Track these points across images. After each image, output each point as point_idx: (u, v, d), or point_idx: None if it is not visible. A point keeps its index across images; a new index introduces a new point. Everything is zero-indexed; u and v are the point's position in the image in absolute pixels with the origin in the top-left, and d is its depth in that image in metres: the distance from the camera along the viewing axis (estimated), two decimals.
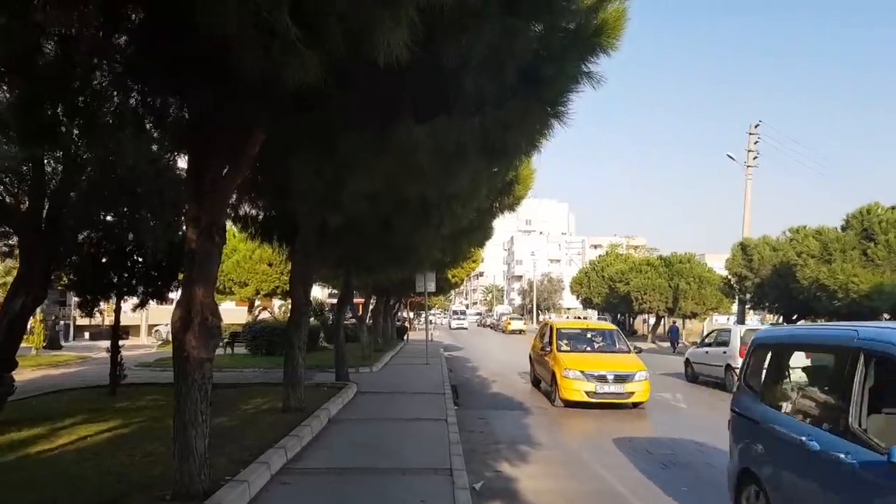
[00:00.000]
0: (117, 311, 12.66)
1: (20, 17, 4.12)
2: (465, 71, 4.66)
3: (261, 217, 11.58)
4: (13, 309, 8.95)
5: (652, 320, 42.59)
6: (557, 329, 13.92)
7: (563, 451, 8.67)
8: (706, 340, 18.60)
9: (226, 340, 23.27)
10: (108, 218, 11.50)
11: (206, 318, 5.49)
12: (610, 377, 11.79)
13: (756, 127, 31.06)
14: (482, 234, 10.59)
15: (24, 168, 9.41)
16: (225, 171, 5.59)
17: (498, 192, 9.21)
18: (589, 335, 14.13)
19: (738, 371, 8.66)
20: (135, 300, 13.39)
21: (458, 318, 67.10)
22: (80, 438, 7.98)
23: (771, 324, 30.30)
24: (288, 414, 9.54)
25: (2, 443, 7.58)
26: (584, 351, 13.33)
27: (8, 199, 9.41)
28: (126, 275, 12.23)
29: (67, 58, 4.94)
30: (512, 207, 9.97)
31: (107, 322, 41.12)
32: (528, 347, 16.62)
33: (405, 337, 36.53)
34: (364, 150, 5.58)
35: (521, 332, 53.19)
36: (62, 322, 37.43)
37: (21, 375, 16.47)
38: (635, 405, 12.07)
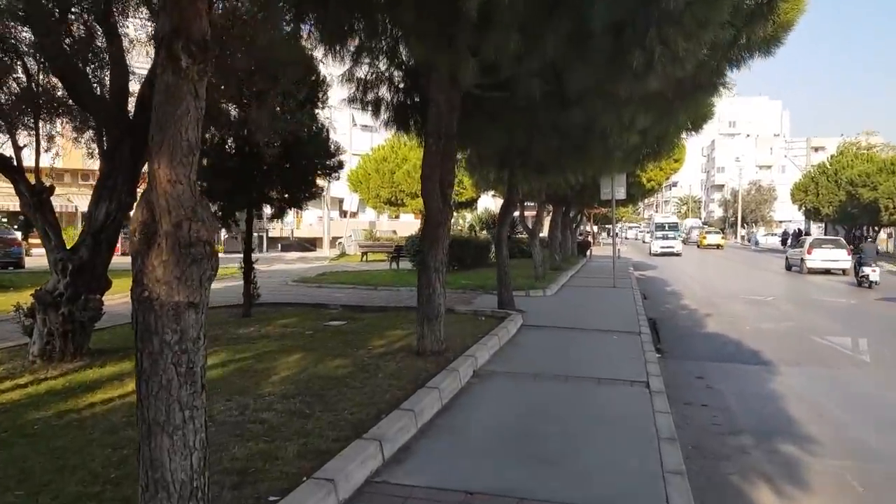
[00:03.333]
0: (248, 222, 10.96)
1: None
2: None
3: (394, 100, 8.82)
4: (97, 218, 7.29)
5: None
6: None
7: (867, 454, 4.98)
8: None
9: (392, 255, 21.81)
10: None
11: (178, 223, 2.79)
12: None
13: None
14: (709, 94, 6.61)
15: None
16: None
17: (749, 12, 5.23)
18: None
19: None
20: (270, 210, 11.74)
21: (664, 236, 40.61)
22: None
23: None
24: (421, 359, 7.00)
25: (71, 384, 5.94)
26: None
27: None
28: (257, 179, 10.37)
29: None
30: (769, 47, 5.84)
31: (296, 234, 43.28)
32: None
33: (587, 253, 32.88)
34: None
35: (718, 246, 48.56)
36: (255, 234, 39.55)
37: None
38: None
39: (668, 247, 38.49)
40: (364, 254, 27.09)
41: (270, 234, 41.34)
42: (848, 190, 34.75)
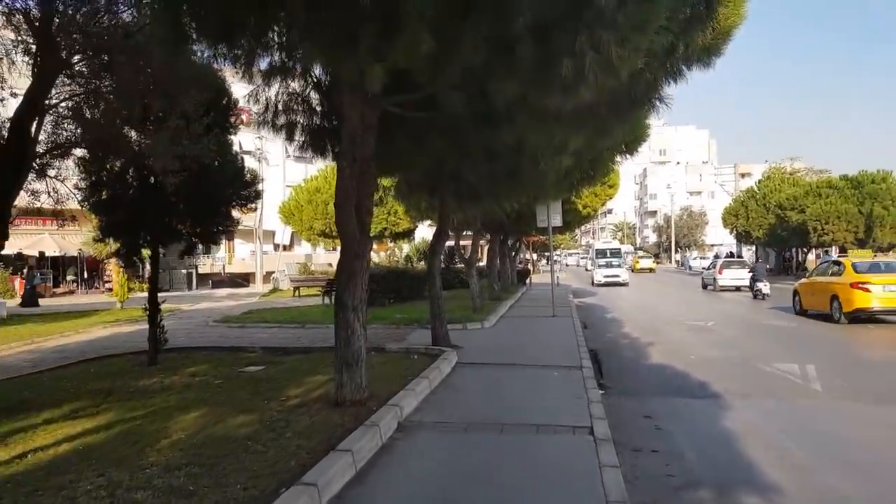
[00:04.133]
0: (154, 258, 9.85)
1: None
2: None
3: (311, 122, 8.07)
4: None
5: (835, 255, 35.13)
6: None
7: None
8: None
9: (324, 289, 20.75)
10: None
11: None
12: None
13: None
14: (645, 111, 6.13)
15: None
16: None
17: (687, 18, 4.78)
18: None
19: None
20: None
21: (608, 264, 36.76)
22: (31, 451, 5.11)
23: None
24: (339, 411, 6.13)
25: None
26: None
27: None
28: (160, 212, 9.31)
29: None
30: (708, 56, 5.40)
31: (227, 270, 41.34)
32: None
33: (527, 281, 32.59)
34: None
35: (650, 270, 51.98)
36: (184, 270, 37.52)
37: (87, 334, 14.52)
38: None
39: (612, 276, 34.35)
40: (296, 289, 25.82)
41: (201, 271, 39.32)
42: (777, 213, 35.98)
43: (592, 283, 35.36)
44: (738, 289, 26.85)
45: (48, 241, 27.91)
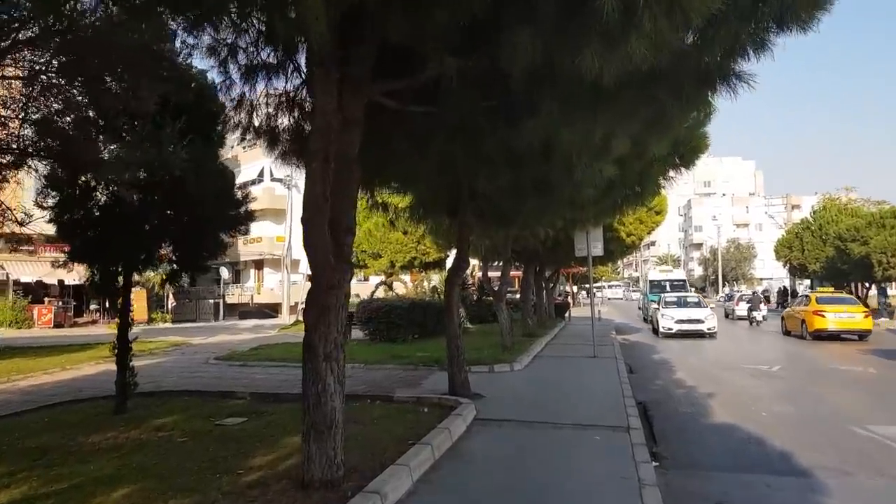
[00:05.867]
0: (126, 287, 8.56)
1: None
2: None
3: (298, 126, 6.75)
4: None
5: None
6: None
7: None
8: None
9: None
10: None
11: None
12: None
13: None
14: (719, 88, 4.43)
15: None
16: None
17: None
18: None
19: None
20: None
21: (679, 302, 23.58)
22: None
23: None
24: (304, 496, 4.57)
25: None
26: None
27: None
28: (131, 234, 8.05)
29: None
30: (809, 13, 3.88)
31: (256, 300, 40.47)
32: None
33: (566, 315, 30.58)
34: None
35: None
36: (211, 300, 36.76)
37: (73, 371, 13.14)
38: None
39: (691, 321, 21.43)
40: None
41: (229, 301, 38.54)
42: (837, 245, 33.19)
43: (656, 331, 23.09)
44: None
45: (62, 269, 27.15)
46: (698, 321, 21.45)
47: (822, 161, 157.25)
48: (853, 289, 35.74)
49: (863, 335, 19.85)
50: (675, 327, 21.39)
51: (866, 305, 24.77)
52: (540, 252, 17.26)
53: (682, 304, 23.17)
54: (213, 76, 7.24)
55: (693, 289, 50.76)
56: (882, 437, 7.16)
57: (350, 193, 4.96)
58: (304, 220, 4.66)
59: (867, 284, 34.74)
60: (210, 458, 5.92)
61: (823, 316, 19.59)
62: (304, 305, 5.00)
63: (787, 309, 24.02)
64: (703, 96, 4.28)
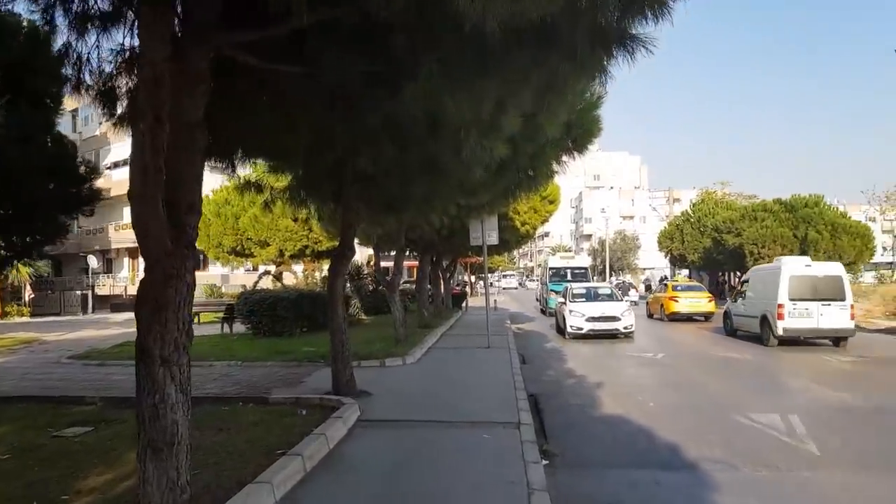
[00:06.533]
0: None
1: None
2: None
3: None
4: None
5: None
6: None
7: None
8: None
9: (223, 316, 17.96)
10: None
11: None
12: None
13: None
14: (614, 59, 4.05)
15: None
16: None
17: None
18: None
19: None
20: None
21: (588, 294, 19.30)
22: None
23: None
24: None
25: None
26: None
27: None
28: None
29: None
30: None
31: (130, 291, 37.26)
32: None
33: (463, 305, 30.53)
34: None
35: None
36: (79, 291, 33.48)
37: None
38: None
39: (605, 318, 17.48)
40: (196, 314, 22.75)
41: (99, 292, 35.26)
42: (713, 236, 35.45)
43: (561, 331, 18.64)
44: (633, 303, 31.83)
45: None
46: (613, 318, 17.44)
47: (700, 157, 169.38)
48: (727, 277, 38.42)
49: (707, 316, 23.14)
50: (587, 326, 17.23)
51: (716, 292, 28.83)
52: (436, 241, 16.83)
53: (592, 297, 19.07)
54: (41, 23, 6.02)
55: (597, 278, 47.83)
56: (763, 425, 7.25)
57: (193, 166, 4.13)
58: (130, 196, 3.79)
59: (738, 273, 37.44)
60: (31, 482, 4.92)
61: (677, 301, 23.22)
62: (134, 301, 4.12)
63: (651, 295, 28.64)
64: (598, 60, 3.87)
